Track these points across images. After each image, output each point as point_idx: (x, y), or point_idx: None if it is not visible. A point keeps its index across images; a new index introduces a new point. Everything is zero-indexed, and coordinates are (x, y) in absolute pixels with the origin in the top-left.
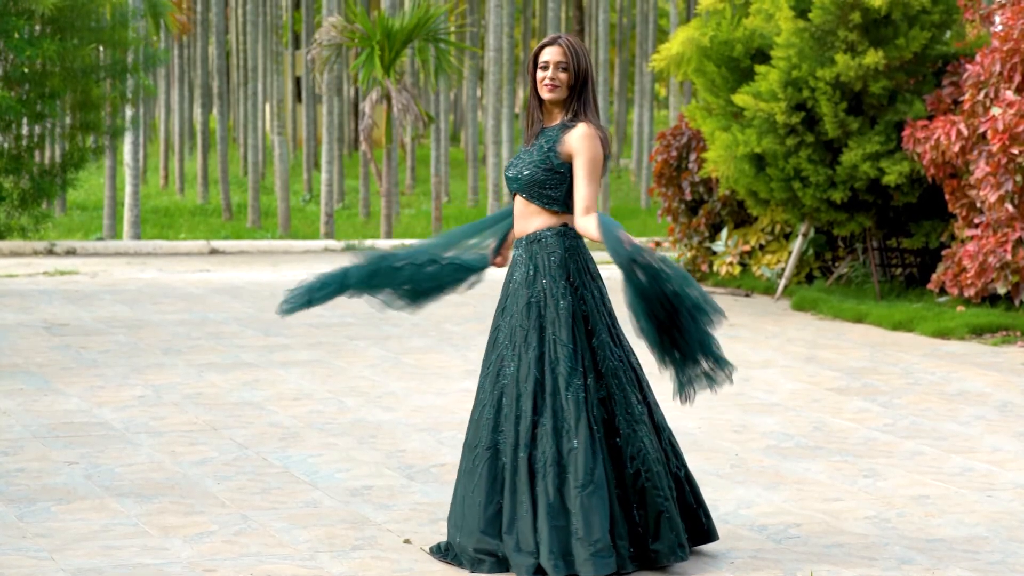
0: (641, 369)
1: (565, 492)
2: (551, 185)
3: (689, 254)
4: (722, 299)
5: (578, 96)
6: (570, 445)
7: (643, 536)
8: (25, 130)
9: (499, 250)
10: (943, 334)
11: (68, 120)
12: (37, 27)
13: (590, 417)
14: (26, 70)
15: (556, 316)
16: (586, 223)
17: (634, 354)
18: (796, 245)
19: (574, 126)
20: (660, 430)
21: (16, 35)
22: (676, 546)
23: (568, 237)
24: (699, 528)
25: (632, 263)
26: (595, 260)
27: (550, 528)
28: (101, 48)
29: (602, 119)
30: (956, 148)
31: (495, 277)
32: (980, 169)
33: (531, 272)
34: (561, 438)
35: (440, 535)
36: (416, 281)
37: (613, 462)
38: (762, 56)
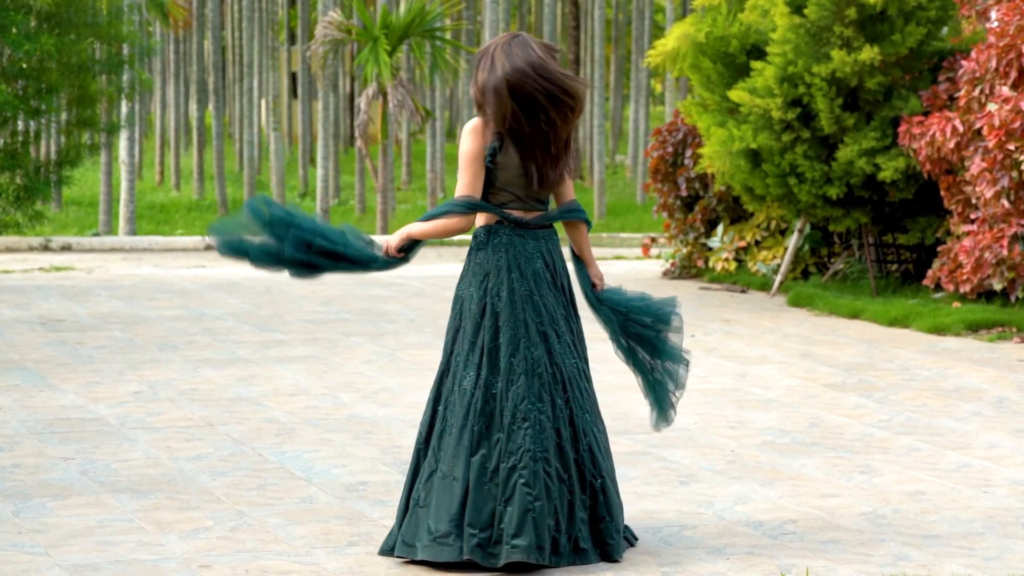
0: (573, 370)
1: (431, 479)
2: None
3: (685, 250)
4: (718, 295)
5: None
6: (448, 434)
7: (504, 531)
8: (21, 125)
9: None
10: (939, 330)
11: (64, 116)
12: (33, 22)
13: (471, 410)
14: (24, 65)
15: (468, 311)
16: None
17: (571, 356)
18: (792, 241)
19: None
20: (579, 436)
21: (14, 30)
22: (535, 547)
23: (492, 235)
24: (602, 543)
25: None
26: (545, 257)
27: (410, 512)
28: (97, 43)
29: (597, 115)
30: (952, 144)
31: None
32: (976, 165)
33: (463, 269)
34: (444, 427)
35: None
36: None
37: (490, 456)
38: (758, 52)
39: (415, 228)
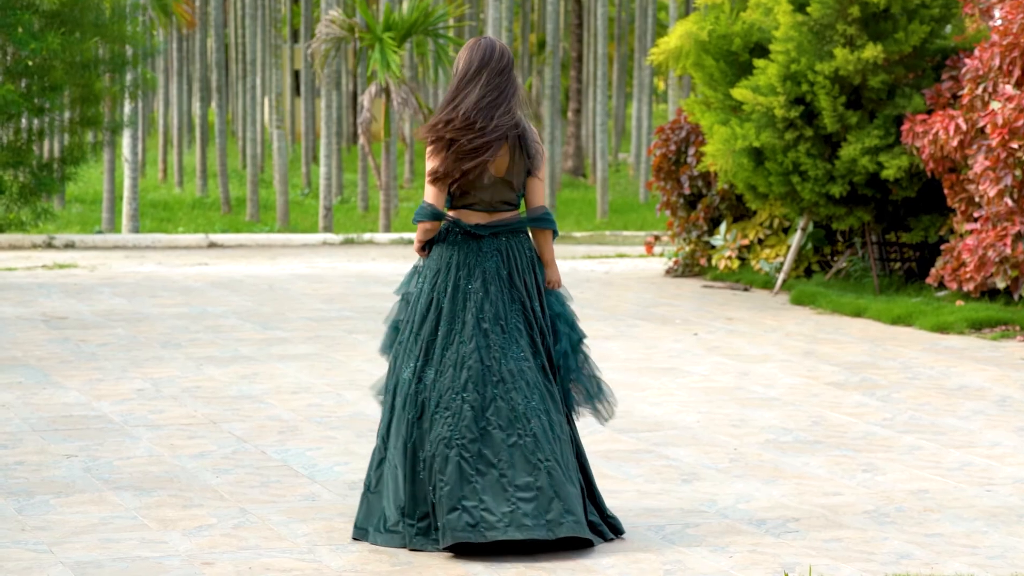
0: (520, 363)
1: (381, 466)
2: None
3: (688, 248)
4: (721, 293)
5: None
6: (384, 422)
7: (432, 514)
8: (24, 123)
9: None
10: (942, 328)
11: (68, 114)
12: (38, 23)
13: (407, 400)
14: (29, 63)
15: (416, 304)
16: None
17: (518, 350)
18: (795, 239)
19: None
20: (521, 422)
21: (20, 29)
22: (467, 526)
23: (448, 233)
24: (550, 522)
25: None
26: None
27: (363, 496)
28: (102, 43)
29: (600, 113)
30: (955, 142)
31: None
32: (979, 163)
33: (422, 264)
34: (392, 416)
35: None
36: None
37: (421, 445)
38: (761, 50)
39: (418, 235)
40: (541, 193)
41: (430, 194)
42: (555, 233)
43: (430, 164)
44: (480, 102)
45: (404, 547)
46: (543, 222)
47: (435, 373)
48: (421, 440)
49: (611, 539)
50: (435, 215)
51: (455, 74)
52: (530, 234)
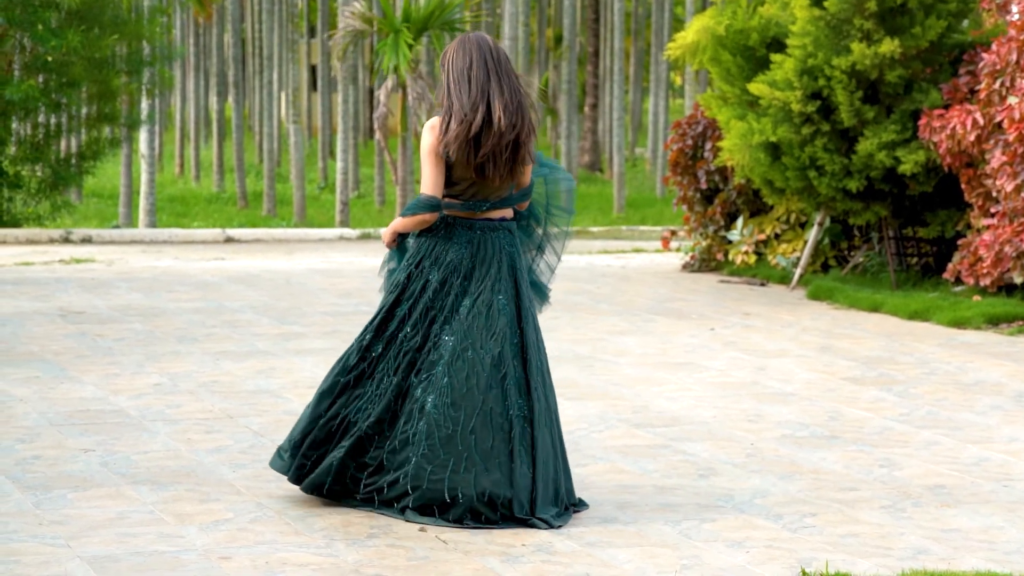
0: (453, 349)
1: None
2: None
3: (704, 243)
4: (737, 288)
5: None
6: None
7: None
8: (42, 119)
9: None
10: (959, 324)
11: (85, 110)
12: (54, 19)
13: (345, 366)
14: (48, 59)
15: (393, 284)
16: None
17: (435, 346)
18: (812, 234)
19: None
20: (425, 409)
21: (40, 26)
22: (330, 487)
23: (436, 223)
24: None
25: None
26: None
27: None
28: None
29: (617, 108)
30: (972, 137)
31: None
32: (996, 158)
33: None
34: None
35: (457, 526)
36: None
37: (345, 406)
38: (778, 45)
39: (398, 224)
40: (529, 176)
41: (433, 185)
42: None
43: (431, 165)
44: (507, 103)
45: (280, 472)
46: (525, 196)
47: (382, 349)
48: (347, 403)
49: (550, 527)
50: (435, 207)
51: (454, 69)
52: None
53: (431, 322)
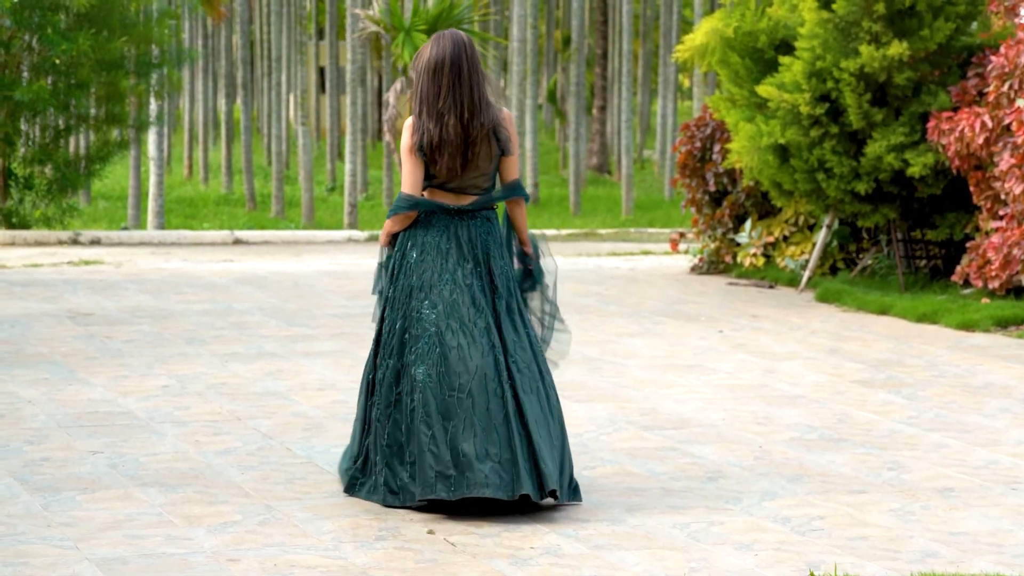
0: (428, 327)
1: None
2: None
3: (713, 245)
4: (746, 291)
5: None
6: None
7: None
8: (51, 120)
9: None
10: (968, 326)
11: (94, 112)
12: (63, 21)
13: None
14: (57, 61)
15: (384, 272)
16: None
17: (406, 327)
18: (820, 237)
19: None
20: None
21: (49, 29)
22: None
23: (421, 217)
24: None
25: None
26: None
27: None
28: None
29: (625, 110)
30: (981, 140)
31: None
32: (1005, 161)
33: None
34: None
35: (463, 527)
36: None
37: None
38: (786, 47)
39: (387, 225)
40: (515, 168)
41: (411, 184)
42: (526, 199)
43: (408, 163)
44: (470, 100)
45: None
46: (514, 192)
47: (382, 334)
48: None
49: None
50: (415, 204)
51: (427, 68)
52: (497, 216)
53: (410, 297)
